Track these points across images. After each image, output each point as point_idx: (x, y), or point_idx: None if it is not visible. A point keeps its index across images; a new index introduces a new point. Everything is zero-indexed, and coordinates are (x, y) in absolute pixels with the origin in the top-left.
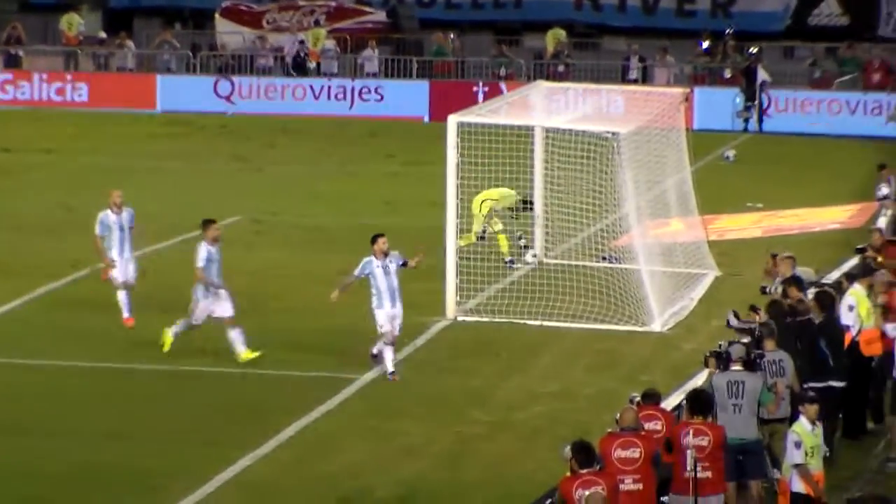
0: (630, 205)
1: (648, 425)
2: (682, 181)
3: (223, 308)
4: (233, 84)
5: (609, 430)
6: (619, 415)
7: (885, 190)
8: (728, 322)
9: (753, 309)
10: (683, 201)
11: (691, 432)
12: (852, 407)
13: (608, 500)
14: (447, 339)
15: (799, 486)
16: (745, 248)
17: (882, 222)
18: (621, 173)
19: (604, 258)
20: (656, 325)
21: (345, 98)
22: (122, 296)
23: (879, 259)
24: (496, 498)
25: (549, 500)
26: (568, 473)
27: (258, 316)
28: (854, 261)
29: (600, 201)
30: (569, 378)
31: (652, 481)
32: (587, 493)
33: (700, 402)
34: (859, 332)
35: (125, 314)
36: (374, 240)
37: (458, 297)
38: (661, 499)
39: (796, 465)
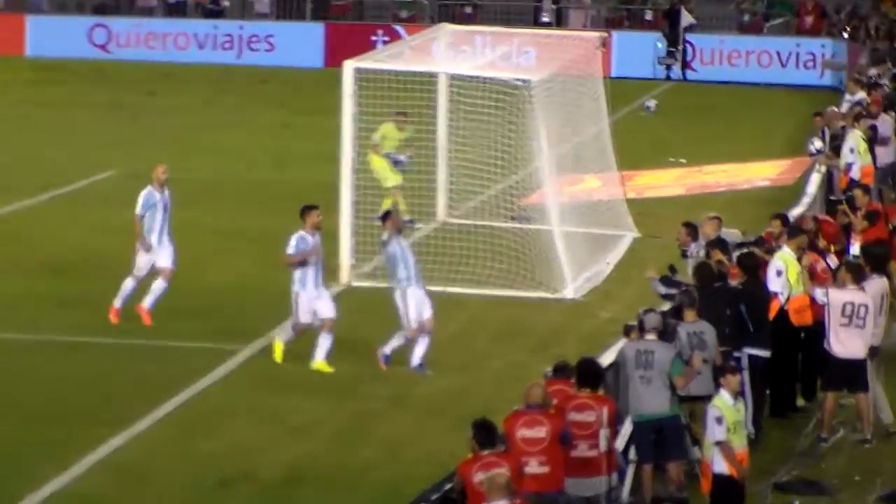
0: (541, 159)
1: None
2: (599, 134)
3: (326, 308)
4: (109, 30)
5: (516, 407)
6: (525, 391)
7: (818, 144)
8: (655, 289)
9: (671, 269)
10: (600, 156)
11: (574, 408)
12: (780, 382)
13: (511, 483)
14: (340, 307)
15: (721, 465)
16: (667, 208)
17: (814, 180)
18: (532, 125)
19: (512, 218)
20: (569, 292)
21: (232, 47)
22: (131, 284)
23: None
24: (392, 481)
25: (449, 485)
26: (469, 454)
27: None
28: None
29: (509, 155)
30: (473, 350)
31: (559, 463)
32: (487, 474)
33: (585, 373)
34: (788, 299)
35: (118, 304)
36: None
37: (353, 261)
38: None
39: (718, 443)
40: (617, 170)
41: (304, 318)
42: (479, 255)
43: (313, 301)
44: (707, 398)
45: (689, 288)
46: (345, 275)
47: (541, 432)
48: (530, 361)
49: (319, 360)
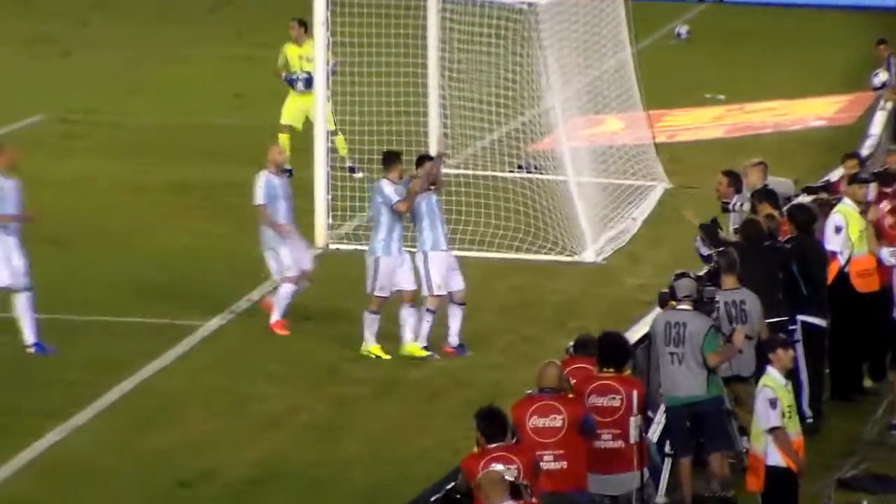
0: (552, 97)
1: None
2: (621, 66)
3: (406, 279)
4: None
5: (528, 391)
6: (538, 371)
7: (883, 76)
8: (698, 249)
9: (714, 223)
10: (623, 93)
11: (595, 391)
12: (843, 358)
13: (524, 479)
14: (317, 273)
15: (776, 457)
16: (703, 153)
17: (879, 118)
18: (541, 56)
19: (520, 167)
20: (589, 254)
21: None
22: (288, 292)
23: None
24: (380, 481)
25: (451, 484)
26: (475, 448)
27: (67, 244)
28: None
29: (514, 93)
30: (476, 324)
31: (579, 457)
32: (479, 476)
33: (608, 349)
34: (849, 260)
35: (279, 316)
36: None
37: (331, 220)
38: None
39: (772, 430)
40: (643, 109)
41: (384, 289)
42: (482, 211)
43: (396, 269)
44: (748, 380)
45: (727, 248)
46: (322, 237)
47: (556, 421)
48: (545, 337)
49: (412, 344)
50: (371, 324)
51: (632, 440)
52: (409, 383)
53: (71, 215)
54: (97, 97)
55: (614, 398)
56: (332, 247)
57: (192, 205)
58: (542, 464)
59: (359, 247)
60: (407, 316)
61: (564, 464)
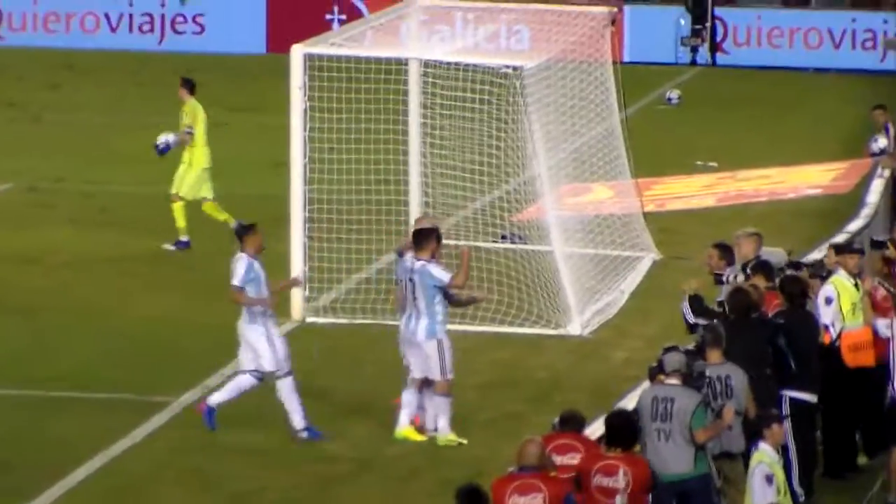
0: (539, 165)
1: (563, 459)
2: (610, 132)
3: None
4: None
5: (510, 469)
6: (518, 448)
7: (882, 142)
8: (684, 316)
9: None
10: (611, 160)
11: (600, 470)
12: (835, 435)
13: None
14: (293, 348)
15: None
16: (694, 222)
17: (876, 186)
18: (526, 122)
19: (503, 237)
20: (575, 327)
21: (152, 30)
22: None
23: None
24: None
25: None
26: None
27: (33, 316)
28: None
29: (498, 160)
30: (458, 400)
31: None
32: None
33: (615, 429)
34: (840, 333)
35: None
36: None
37: (308, 292)
38: None
39: None
40: (632, 177)
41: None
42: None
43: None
44: (735, 457)
45: (713, 322)
46: (297, 309)
47: (537, 500)
48: (528, 413)
49: (447, 433)
50: (448, 409)
51: None
52: (387, 460)
53: (37, 286)
54: (67, 164)
55: (619, 479)
56: (309, 320)
57: (165, 276)
58: None
59: (335, 320)
60: (414, 399)
61: None
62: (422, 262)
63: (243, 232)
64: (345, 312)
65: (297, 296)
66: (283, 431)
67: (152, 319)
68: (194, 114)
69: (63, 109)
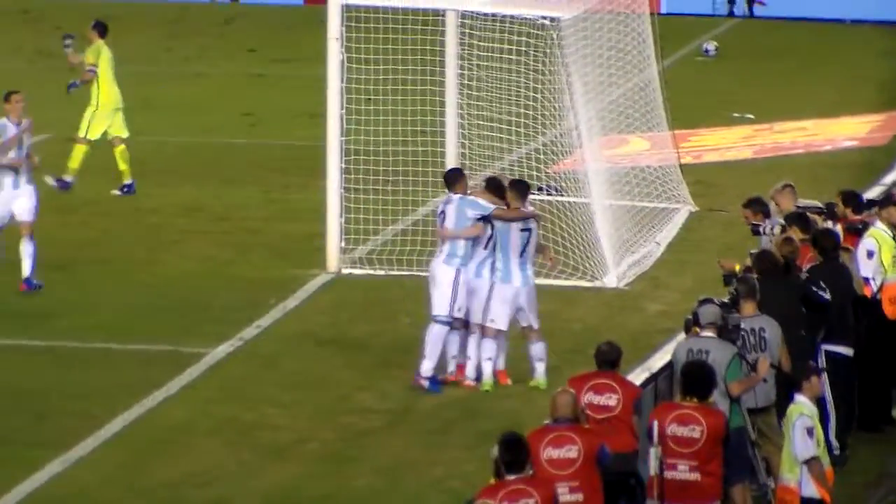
0: (575, 117)
1: (599, 399)
2: (647, 84)
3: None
4: None
5: (546, 421)
6: (551, 400)
7: None
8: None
9: (748, 268)
10: (648, 111)
11: (675, 419)
12: (871, 388)
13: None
14: (329, 299)
15: (811, 488)
16: (731, 174)
17: None
18: (563, 74)
19: (540, 189)
20: (611, 279)
21: None
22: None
23: None
24: None
25: None
26: (492, 480)
27: (70, 268)
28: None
29: (535, 112)
30: None
31: (596, 489)
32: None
33: (693, 378)
34: (881, 286)
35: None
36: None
37: (344, 243)
38: None
39: (809, 461)
40: (669, 129)
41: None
42: None
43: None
44: (767, 410)
45: (745, 275)
46: (333, 261)
47: (571, 452)
48: (563, 365)
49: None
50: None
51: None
52: (421, 413)
53: (75, 239)
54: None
55: (695, 429)
56: (345, 271)
57: (200, 228)
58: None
59: (372, 272)
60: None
61: (580, 496)
62: (469, 198)
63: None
64: (381, 264)
65: (333, 247)
66: (317, 386)
67: (188, 271)
68: (97, 53)
69: None
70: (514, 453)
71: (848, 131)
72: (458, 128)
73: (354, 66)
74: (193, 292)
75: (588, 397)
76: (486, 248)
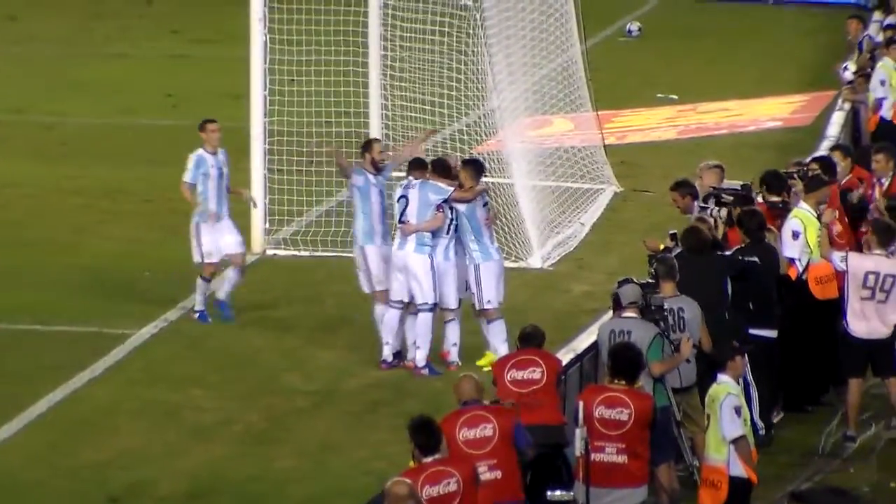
0: (499, 97)
1: (524, 374)
2: (569, 64)
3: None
4: None
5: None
6: (455, 387)
7: (852, 67)
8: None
9: (672, 238)
10: (571, 92)
11: (603, 402)
12: (796, 369)
13: (462, 493)
14: (254, 281)
15: (738, 468)
16: (655, 155)
17: (836, 119)
18: (486, 55)
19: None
20: (535, 260)
21: None
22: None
23: None
24: (317, 496)
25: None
26: (411, 463)
27: None
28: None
29: (458, 93)
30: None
31: (513, 466)
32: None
33: (621, 360)
34: (807, 266)
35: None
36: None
37: (268, 225)
38: (552, 492)
39: (737, 440)
40: (593, 109)
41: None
42: None
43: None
44: (689, 389)
45: (664, 255)
46: (258, 242)
47: (487, 430)
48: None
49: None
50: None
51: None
52: (346, 394)
53: None
54: (26, 96)
55: (622, 412)
56: (270, 252)
57: (122, 210)
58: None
59: (296, 253)
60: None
61: (499, 473)
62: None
63: None
64: (306, 245)
65: (257, 228)
66: (243, 367)
67: (112, 253)
68: None
69: (20, 40)
70: (426, 436)
71: (772, 112)
72: (381, 108)
73: (277, 46)
74: (118, 273)
75: (511, 374)
76: (447, 233)
